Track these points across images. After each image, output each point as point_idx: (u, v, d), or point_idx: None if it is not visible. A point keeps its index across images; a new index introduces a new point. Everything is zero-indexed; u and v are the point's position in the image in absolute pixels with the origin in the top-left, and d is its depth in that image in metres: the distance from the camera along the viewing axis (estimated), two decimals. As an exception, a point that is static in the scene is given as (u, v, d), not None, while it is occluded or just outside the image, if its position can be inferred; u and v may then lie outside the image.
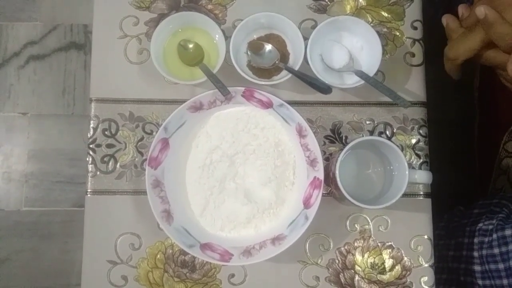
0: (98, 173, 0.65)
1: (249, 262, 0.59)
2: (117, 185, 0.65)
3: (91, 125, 0.66)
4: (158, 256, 0.64)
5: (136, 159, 0.65)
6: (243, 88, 0.62)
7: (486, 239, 0.66)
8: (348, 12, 0.68)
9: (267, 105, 0.63)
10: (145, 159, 0.65)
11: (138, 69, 0.67)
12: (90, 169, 0.65)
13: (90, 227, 0.64)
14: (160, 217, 0.60)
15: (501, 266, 0.64)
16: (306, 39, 0.63)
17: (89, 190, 0.65)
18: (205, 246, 0.60)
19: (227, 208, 0.63)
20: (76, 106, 1.37)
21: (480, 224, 0.69)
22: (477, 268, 0.67)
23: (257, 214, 0.62)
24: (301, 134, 0.62)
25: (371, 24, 0.67)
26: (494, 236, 0.65)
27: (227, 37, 0.65)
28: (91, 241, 0.64)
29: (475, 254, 0.68)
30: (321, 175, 0.60)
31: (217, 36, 0.65)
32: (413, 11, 0.68)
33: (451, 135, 1.03)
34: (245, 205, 0.62)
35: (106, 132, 0.66)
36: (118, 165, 0.65)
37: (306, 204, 0.61)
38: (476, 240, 0.68)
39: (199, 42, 0.66)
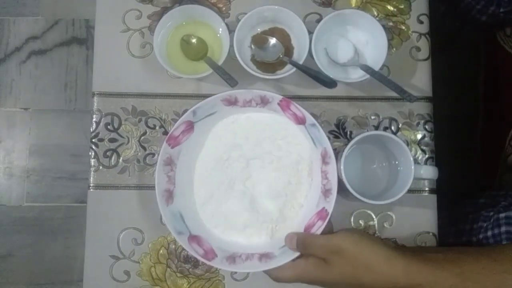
0: (100, 167, 0.65)
1: (230, 269, 0.59)
2: (120, 180, 0.64)
3: (94, 119, 0.65)
4: (161, 251, 0.63)
5: (139, 154, 0.65)
6: (280, 97, 0.59)
7: (485, 224, 0.66)
8: (353, 5, 0.68)
9: (300, 121, 0.60)
10: (148, 154, 0.64)
11: (141, 63, 0.66)
12: (92, 164, 0.65)
13: (92, 222, 0.64)
14: (161, 195, 0.58)
15: None
16: (310, 33, 0.62)
17: (91, 185, 0.64)
18: (194, 238, 0.59)
19: (228, 208, 0.61)
20: (78, 101, 1.36)
21: (483, 211, 0.68)
22: None
23: (255, 224, 0.60)
24: (324, 160, 0.59)
25: (377, 18, 0.66)
26: (491, 219, 0.65)
27: (230, 31, 0.64)
28: (93, 236, 0.64)
29: (473, 239, 0.67)
30: (330, 208, 0.57)
31: (220, 29, 0.65)
32: (420, 5, 0.67)
33: (457, 130, 1.02)
34: (246, 211, 0.61)
35: (108, 127, 0.65)
36: (121, 160, 0.65)
37: (307, 231, 0.58)
38: (475, 225, 0.68)
39: (202, 36, 0.65)
